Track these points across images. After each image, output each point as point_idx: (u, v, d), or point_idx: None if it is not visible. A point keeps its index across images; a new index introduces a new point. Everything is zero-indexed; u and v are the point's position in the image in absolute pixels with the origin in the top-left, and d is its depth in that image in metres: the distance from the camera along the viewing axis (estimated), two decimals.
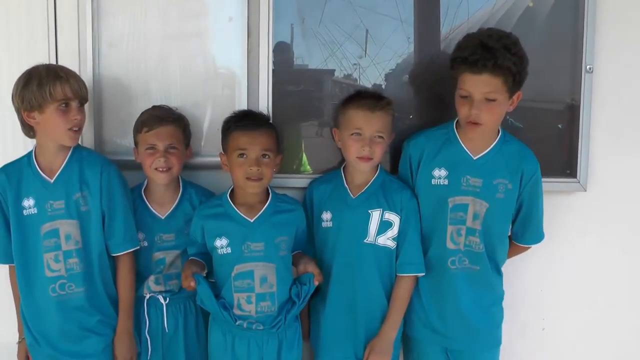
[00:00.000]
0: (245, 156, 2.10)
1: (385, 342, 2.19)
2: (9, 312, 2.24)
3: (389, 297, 2.22)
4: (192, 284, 2.04)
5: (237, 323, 2.12)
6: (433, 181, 2.18)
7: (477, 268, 2.18)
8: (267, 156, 2.11)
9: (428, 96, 2.41)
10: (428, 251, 2.20)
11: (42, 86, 2.00)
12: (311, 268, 2.17)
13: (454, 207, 2.16)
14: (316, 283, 2.15)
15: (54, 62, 2.30)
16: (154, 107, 2.27)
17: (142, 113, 2.25)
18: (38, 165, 2.11)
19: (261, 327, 2.12)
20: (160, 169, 2.18)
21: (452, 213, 2.16)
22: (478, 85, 2.02)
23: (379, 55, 2.36)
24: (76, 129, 2.08)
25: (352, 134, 2.14)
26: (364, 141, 2.12)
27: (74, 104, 2.06)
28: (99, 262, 2.13)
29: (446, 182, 2.17)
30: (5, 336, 2.27)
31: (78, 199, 2.10)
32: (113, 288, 2.17)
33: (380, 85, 2.39)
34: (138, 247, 2.19)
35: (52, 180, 2.09)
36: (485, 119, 2.05)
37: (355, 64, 2.38)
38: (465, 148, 2.17)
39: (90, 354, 2.12)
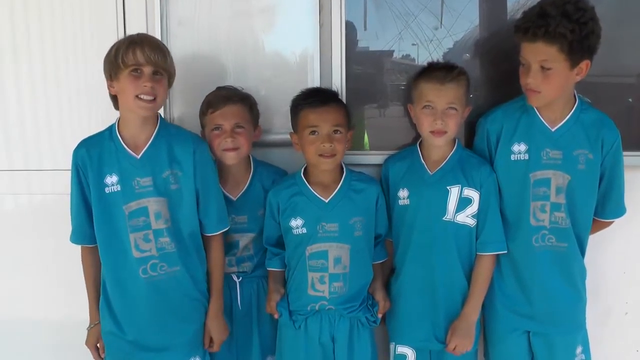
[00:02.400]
0: (316, 133, 2.07)
1: (468, 324, 2.13)
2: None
3: (468, 277, 2.15)
4: (276, 316, 2.14)
5: (308, 308, 2.11)
6: (513, 157, 2.11)
7: (565, 245, 2.09)
8: (338, 132, 2.08)
9: (497, 69, 2.33)
10: (510, 230, 2.12)
11: (118, 53, 1.91)
12: (378, 297, 2.17)
13: (536, 182, 2.09)
14: (379, 315, 2.15)
15: None
16: (218, 87, 2.23)
17: (208, 95, 2.21)
18: (122, 139, 1.99)
19: (333, 308, 2.10)
20: (228, 149, 2.14)
21: (534, 189, 2.09)
22: (533, 53, 1.97)
23: (455, 26, 2.29)
24: (148, 97, 1.91)
25: (423, 108, 2.09)
26: (435, 114, 2.07)
27: (146, 70, 1.91)
28: (191, 242, 2.03)
29: (526, 157, 2.10)
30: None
31: (168, 176, 1.99)
32: (203, 268, 2.08)
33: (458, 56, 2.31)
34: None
35: (138, 156, 1.98)
36: (542, 88, 1.99)
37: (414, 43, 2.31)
38: (543, 120, 2.10)
39: (181, 338, 2.04)
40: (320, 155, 2.06)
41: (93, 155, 1.99)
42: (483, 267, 2.13)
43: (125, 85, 1.92)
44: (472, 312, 2.13)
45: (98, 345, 2.09)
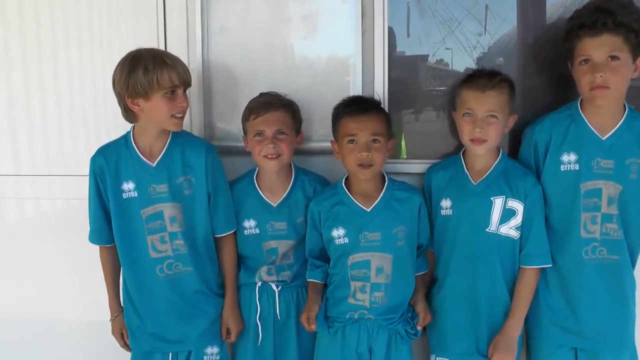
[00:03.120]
0: (355, 142, 2.05)
1: (510, 338, 2.07)
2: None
3: (510, 290, 2.09)
4: (313, 326, 2.09)
5: (347, 316, 2.08)
6: (562, 167, 2.06)
7: (617, 258, 2.02)
8: (377, 141, 2.05)
9: (541, 76, 2.28)
10: (559, 242, 2.06)
11: (148, 73, 1.94)
12: (419, 309, 2.13)
13: (587, 192, 2.03)
14: (418, 328, 2.12)
15: (163, 48, 2.29)
16: (261, 94, 2.22)
17: (250, 101, 2.20)
18: (137, 148, 2.08)
19: (372, 318, 2.08)
20: (270, 156, 2.12)
21: (585, 199, 2.03)
22: (600, 47, 1.94)
23: (499, 32, 2.23)
24: (180, 115, 2.04)
25: (464, 115, 2.06)
26: (475, 122, 2.03)
27: (179, 91, 2.01)
28: (203, 245, 2.13)
29: (577, 167, 2.04)
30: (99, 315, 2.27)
31: (182, 182, 2.08)
32: (214, 269, 2.18)
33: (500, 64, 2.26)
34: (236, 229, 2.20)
35: (153, 164, 2.07)
36: (611, 81, 1.93)
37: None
38: (592, 129, 2.04)
39: (197, 330, 2.14)
40: (359, 165, 2.04)
41: (110, 163, 2.09)
42: (526, 280, 2.07)
43: (160, 106, 1.99)
44: (515, 326, 2.07)
45: (123, 332, 2.20)
